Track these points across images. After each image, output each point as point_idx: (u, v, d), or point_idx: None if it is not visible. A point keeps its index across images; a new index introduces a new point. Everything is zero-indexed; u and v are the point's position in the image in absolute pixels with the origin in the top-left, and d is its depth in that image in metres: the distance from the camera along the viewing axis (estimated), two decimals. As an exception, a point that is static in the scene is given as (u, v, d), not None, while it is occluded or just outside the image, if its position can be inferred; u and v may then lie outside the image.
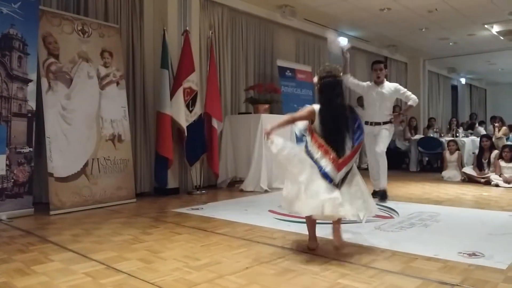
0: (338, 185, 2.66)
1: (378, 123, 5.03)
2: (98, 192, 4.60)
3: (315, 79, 2.92)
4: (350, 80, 5.22)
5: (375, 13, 7.56)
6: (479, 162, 6.84)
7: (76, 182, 4.42)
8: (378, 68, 5.09)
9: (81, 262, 2.61)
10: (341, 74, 2.93)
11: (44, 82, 4.31)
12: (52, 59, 4.41)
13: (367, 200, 2.82)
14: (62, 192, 4.28)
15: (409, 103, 4.98)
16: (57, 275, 2.37)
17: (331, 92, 2.82)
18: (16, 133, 4.13)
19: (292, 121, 2.94)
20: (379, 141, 4.99)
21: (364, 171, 9.13)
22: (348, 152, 2.71)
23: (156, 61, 5.58)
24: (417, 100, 5.02)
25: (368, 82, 5.26)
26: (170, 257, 2.68)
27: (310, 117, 2.82)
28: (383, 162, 5.00)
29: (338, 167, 2.64)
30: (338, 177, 2.66)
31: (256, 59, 7.37)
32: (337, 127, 2.74)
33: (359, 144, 2.77)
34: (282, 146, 2.74)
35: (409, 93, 5.04)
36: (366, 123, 4.96)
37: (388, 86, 5.10)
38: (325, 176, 2.63)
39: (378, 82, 5.11)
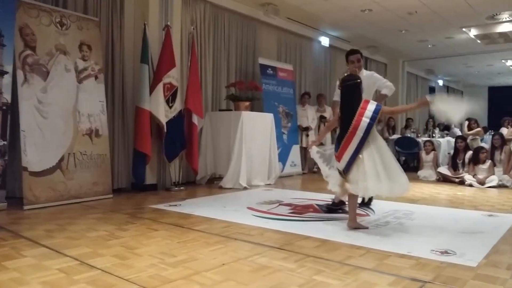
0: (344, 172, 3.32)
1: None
2: (74, 187, 4.52)
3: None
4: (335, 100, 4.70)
5: (356, 14, 7.64)
6: (454, 163, 7.00)
7: (51, 176, 4.33)
8: (356, 59, 4.32)
9: (55, 258, 2.56)
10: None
11: (20, 75, 4.21)
12: (28, 51, 4.31)
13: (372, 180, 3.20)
14: (37, 186, 4.19)
15: (383, 91, 4.52)
16: (29, 270, 2.33)
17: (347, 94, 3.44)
18: (-10, 125, 4.03)
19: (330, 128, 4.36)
20: None
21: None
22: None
23: (136, 56, 5.51)
24: (393, 88, 4.54)
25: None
26: (145, 254, 2.66)
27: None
28: None
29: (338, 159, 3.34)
30: (340, 166, 3.34)
31: (238, 56, 7.36)
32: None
33: (348, 134, 3.24)
34: None
35: (384, 80, 4.59)
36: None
37: (365, 76, 4.34)
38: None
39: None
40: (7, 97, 4.16)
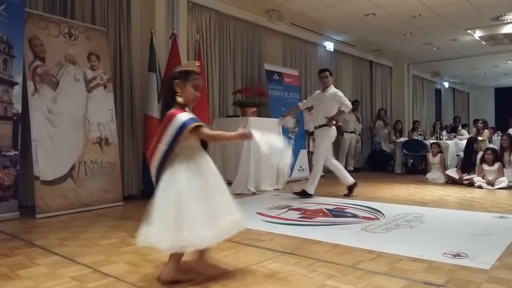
0: None
1: (316, 127, 5.56)
2: (85, 195, 4.56)
3: None
4: (304, 103, 6.09)
5: (360, 18, 7.65)
6: (465, 165, 6.91)
7: (63, 185, 4.38)
8: (324, 76, 5.49)
9: (68, 266, 2.59)
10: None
11: (30, 85, 4.27)
12: (38, 62, 4.37)
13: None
14: (48, 195, 4.23)
15: (341, 108, 5.38)
16: (43, 279, 2.35)
17: None
18: (1, 136, 4.08)
19: None
20: (315, 149, 5.66)
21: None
22: None
23: (143, 65, 5.56)
24: (350, 106, 5.46)
25: (318, 91, 5.74)
26: (158, 260, 2.68)
27: None
28: (315, 170, 5.48)
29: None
30: None
31: (244, 62, 7.40)
32: None
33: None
34: None
35: (344, 98, 5.39)
36: (315, 127, 5.59)
37: (330, 91, 5.47)
38: None
39: (323, 89, 5.53)
40: (18, 107, 4.22)
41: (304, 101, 6.16)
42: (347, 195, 5.47)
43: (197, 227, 2.17)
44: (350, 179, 5.54)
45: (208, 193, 2.28)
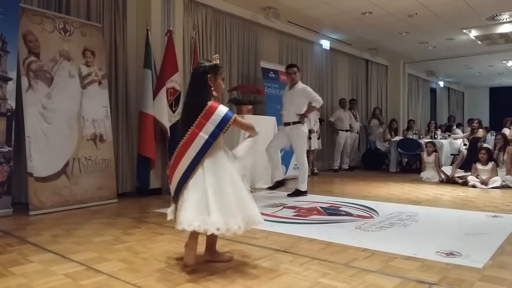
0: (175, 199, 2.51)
1: (288, 123, 5.39)
2: (79, 192, 4.54)
3: None
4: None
5: (356, 16, 7.66)
6: (468, 163, 6.89)
7: (56, 182, 4.35)
8: (292, 72, 5.44)
9: (61, 263, 2.58)
10: None
11: (24, 81, 4.24)
12: (32, 58, 4.34)
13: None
14: (42, 192, 4.21)
15: (313, 104, 5.35)
16: (36, 276, 2.34)
17: None
18: (-5, 132, 4.05)
19: None
20: (294, 148, 5.50)
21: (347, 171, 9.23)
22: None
23: (139, 61, 5.53)
24: (321, 102, 5.37)
25: (287, 86, 5.66)
26: (152, 258, 2.67)
27: None
28: (301, 168, 5.46)
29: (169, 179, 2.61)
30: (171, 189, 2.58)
31: (240, 60, 7.39)
32: None
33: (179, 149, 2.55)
34: None
35: (314, 94, 5.35)
36: (286, 124, 5.44)
37: (298, 87, 5.40)
38: None
39: (291, 85, 5.47)
40: (12, 103, 4.19)
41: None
42: (270, 188, 5.82)
43: (251, 207, 2.44)
44: (279, 176, 5.78)
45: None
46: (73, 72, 4.68)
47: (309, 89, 5.41)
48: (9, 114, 4.16)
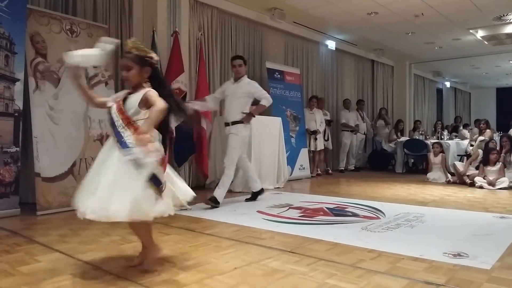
0: None
1: (227, 124, 4.81)
2: (86, 193, 4.56)
3: None
4: (213, 96, 5.09)
5: (362, 17, 7.64)
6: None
7: (63, 182, 4.37)
8: (237, 64, 4.81)
9: (68, 263, 2.59)
10: None
11: (32, 82, 4.27)
12: (39, 59, 4.37)
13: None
14: (49, 192, 4.24)
15: (261, 102, 4.78)
16: (43, 275, 2.35)
17: None
18: (3, 132, 4.07)
19: None
20: (227, 149, 4.78)
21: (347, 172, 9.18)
22: None
23: (145, 62, 5.55)
24: (270, 100, 4.85)
25: (228, 82, 5.08)
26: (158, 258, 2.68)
27: None
28: (226, 174, 4.69)
29: None
30: None
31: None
32: None
33: None
34: None
35: (263, 91, 4.83)
36: (226, 124, 4.83)
37: (244, 82, 4.80)
38: None
39: (236, 79, 4.86)
40: (19, 104, 4.22)
41: (212, 94, 5.21)
42: (248, 200, 5.00)
43: None
44: (257, 185, 5.01)
45: None
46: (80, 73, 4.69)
47: (256, 84, 4.85)
48: (16, 114, 4.19)
